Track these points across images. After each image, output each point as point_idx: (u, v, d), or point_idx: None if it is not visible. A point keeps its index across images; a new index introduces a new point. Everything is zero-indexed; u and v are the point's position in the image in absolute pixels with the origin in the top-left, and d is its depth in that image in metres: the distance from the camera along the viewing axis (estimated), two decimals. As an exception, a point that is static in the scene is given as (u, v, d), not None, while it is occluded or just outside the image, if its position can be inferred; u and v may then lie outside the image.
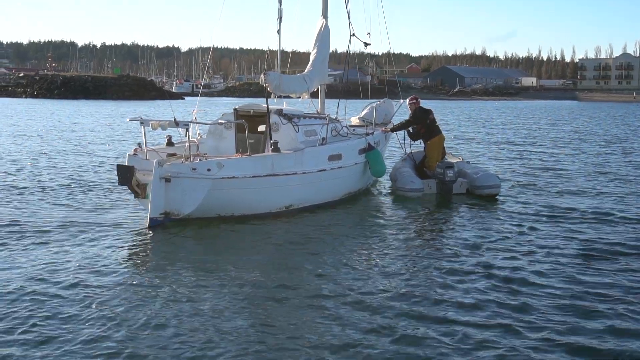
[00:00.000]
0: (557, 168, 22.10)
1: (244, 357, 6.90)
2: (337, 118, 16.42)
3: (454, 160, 17.75)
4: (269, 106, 14.42)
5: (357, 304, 8.40)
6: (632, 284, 9.29)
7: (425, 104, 18.09)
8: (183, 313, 8.09)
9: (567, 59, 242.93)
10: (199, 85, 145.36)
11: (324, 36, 17.01)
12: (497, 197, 16.06)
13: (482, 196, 16.02)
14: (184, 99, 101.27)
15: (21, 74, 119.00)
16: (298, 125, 14.59)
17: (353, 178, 15.92)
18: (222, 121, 14.84)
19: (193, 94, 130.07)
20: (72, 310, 8.12)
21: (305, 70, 16.87)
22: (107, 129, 40.40)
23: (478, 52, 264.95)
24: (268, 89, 15.25)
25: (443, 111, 78.05)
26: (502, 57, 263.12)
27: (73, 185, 17.55)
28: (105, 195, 16.02)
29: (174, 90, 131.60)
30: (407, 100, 17.50)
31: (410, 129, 17.68)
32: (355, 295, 8.72)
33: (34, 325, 7.66)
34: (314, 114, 16.52)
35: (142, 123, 13.34)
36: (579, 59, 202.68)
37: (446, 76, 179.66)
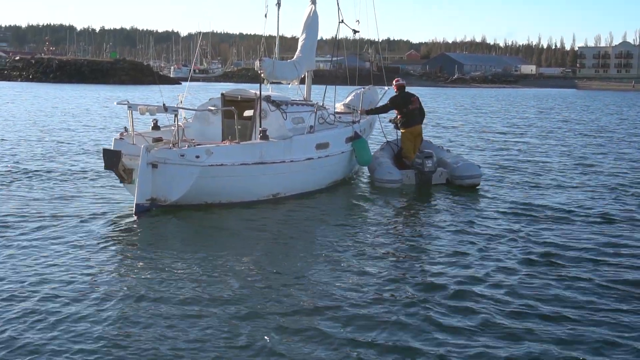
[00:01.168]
0: (539, 159, 21.58)
1: (230, 346, 6.88)
2: (324, 105, 16.34)
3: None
4: (257, 92, 14.33)
5: (331, 297, 8.31)
6: (604, 284, 8.97)
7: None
8: (169, 301, 8.05)
9: (567, 47, 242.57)
10: (197, 70, 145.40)
11: (312, 22, 16.92)
12: (478, 187, 15.79)
13: (463, 186, 15.72)
14: (180, 83, 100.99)
15: (17, 57, 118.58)
16: (286, 113, 14.48)
17: (340, 166, 15.86)
18: (212, 107, 14.75)
19: (191, 78, 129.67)
20: (57, 300, 8.03)
21: (295, 57, 16.76)
22: (86, 113, 40.10)
23: (478, 39, 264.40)
24: (262, 75, 15.14)
25: (437, 98, 78.00)
26: (502, 44, 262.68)
27: (56, 170, 17.43)
28: (90, 180, 15.94)
29: (171, 75, 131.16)
30: (393, 82, 17.14)
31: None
32: (332, 289, 8.58)
33: (19, 315, 7.56)
34: (301, 100, 16.43)
35: (129, 107, 13.19)
36: (579, 47, 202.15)
37: (445, 63, 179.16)
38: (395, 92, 16.98)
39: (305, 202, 14.01)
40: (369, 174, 17.03)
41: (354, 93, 18.43)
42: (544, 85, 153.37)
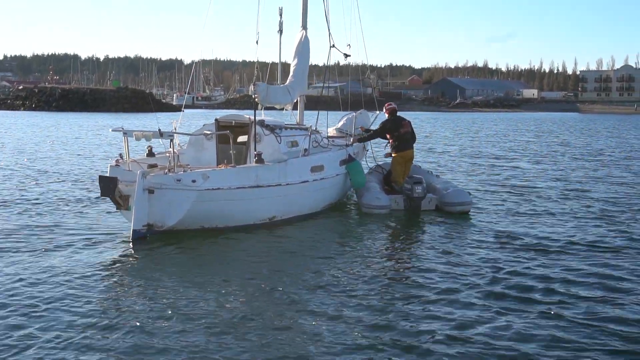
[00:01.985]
0: (530, 185, 21.05)
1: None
2: (317, 129, 16.45)
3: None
4: (251, 117, 14.45)
5: (329, 322, 8.36)
6: (594, 322, 8.63)
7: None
8: (166, 328, 8.06)
9: (569, 71, 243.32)
10: (199, 98, 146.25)
11: (303, 47, 17.08)
12: (468, 214, 15.54)
13: (453, 213, 15.48)
14: (183, 111, 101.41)
15: (21, 87, 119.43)
16: (280, 136, 14.61)
17: (334, 189, 15.95)
18: (207, 132, 14.82)
19: (194, 106, 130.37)
20: (51, 328, 8.03)
21: (287, 82, 16.93)
22: (77, 140, 40.02)
23: (480, 64, 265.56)
24: (256, 99, 15.29)
25: (435, 123, 77.95)
26: (504, 69, 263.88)
27: (53, 197, 17.48)
28: (86, 207, 15.96)
29: (174, 103, 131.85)
30: (385, 106, 17.11)
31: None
32: (326, 313, 8.64)
33: (15, 344, 7.55)
34: (295, 124, 16.57)
35: (125, 133, 13.28)
36: (580, 71, 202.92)
37: (447, 88, 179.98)
38: (387, 116, 16.96)
39: (299, 227, 14.03)
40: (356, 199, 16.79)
41: (345, 117, 18.54)
42: (546, 109, 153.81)
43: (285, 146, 14.66)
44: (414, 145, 17.04)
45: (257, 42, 16.65)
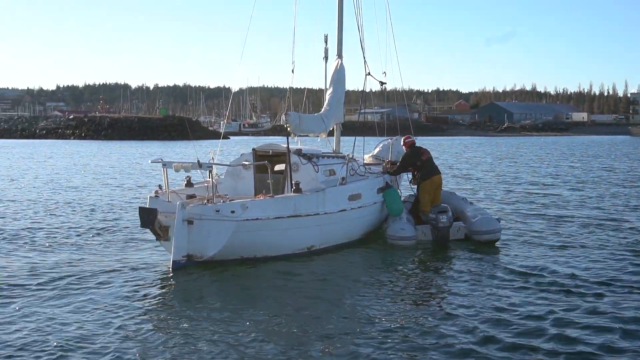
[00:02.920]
0: (565, 213, 20.40)
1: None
2: (353, 156, 16.49)
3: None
4: (289, 147, 14.54)
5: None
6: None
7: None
8: (206, 357, 8.19)
9: (620, 94, 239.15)
10: (246, 125, 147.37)
11: (339, 76, 17.19)
12: (497, 243, 15.14)
13: (481, 242, 15.11)
14: (229, 138, 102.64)
15: (71, 116, 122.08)
16: (318, 165, 14.66)
17: (372, 217, 15.91)
18: (246, 162, 14.95)
19: (240, 133, 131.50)
20: (90, 356, 8.22)
21: (322, 110, 17.01)
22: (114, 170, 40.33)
23: (528, 87, 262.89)
24: (288, 129, 15.36)
25: (478, 148, 77.07)
26: (552, 92, 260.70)
27: (93, 226, 17.79)
28: (126, 238, 16.18)
29: (221, 130, 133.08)
30: (403, 139, 17.11)
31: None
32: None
33: None
34: (332, 153, 16.61)
35: (164, 165, 13.47)
36: (631, 93, 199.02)
37: (494, 112, 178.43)
38: (406, 150, 16.91)
39: (336, 256, 14.06)
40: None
41: (381, 144, 18.50)
42: (596, 132, 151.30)
43: (323, 175, 14.69)
44: (440, 171, 16.86)
45: (292, 71, 16.84)
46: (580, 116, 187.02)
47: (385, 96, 18.66)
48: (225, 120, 26.29)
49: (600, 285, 11.67)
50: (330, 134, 17.61)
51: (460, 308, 10.34)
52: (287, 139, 14.60)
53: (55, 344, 8.65)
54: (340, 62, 17.36)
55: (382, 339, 8.87)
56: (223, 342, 8.69)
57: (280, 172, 14.83)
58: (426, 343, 8.75)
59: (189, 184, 14.87)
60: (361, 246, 15.20)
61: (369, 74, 17.42)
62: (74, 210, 21.15)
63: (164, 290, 11.47)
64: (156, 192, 13.90)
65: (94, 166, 43.52)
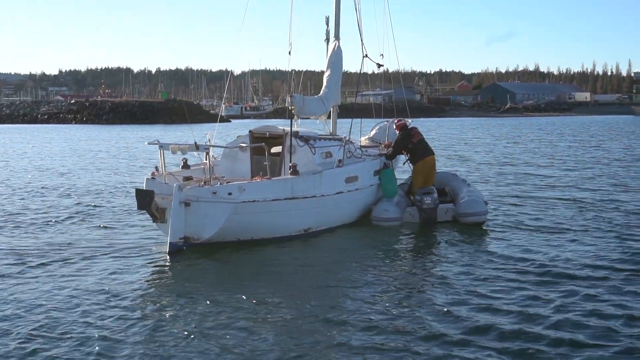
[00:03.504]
0: (555, 194, 20.18)
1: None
2: (350, 139, 16.45)
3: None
4: (285, 128, 14.51)
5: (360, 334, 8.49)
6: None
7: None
8: (204, 339, 8.23)
9: (624, 73, 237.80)
10: (248, 108, 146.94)
11: (337, 58, 17.13)
12: (484, 226, 15.00)
13: (467, 224, 15.00)
14: (230, 121, 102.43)
15: (72, 101, 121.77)
16: (315, 147, 14.65)
17: (369, 199, 15.93)
18: (243, 144, 14.94)
19: (242, 116, 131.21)
20: (92, 340, 8.24)
21: (321, 92, 16.94)
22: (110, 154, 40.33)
23: (531, 68, 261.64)
24: (293, 111, 15.33)
25: (477, 129, 76.68)
26: (555, 72, 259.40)
27: (89, 209, 17.82)
28: (122, 220, 16.22)
29: (223, 114, 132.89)
30: (395, 123, 17.03)
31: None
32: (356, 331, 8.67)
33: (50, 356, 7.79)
34: (329, 135, 16.57)
35: (161, 147, 13.50)
36: (634, 73, 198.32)
37: (497, 93, 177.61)
38: (398, 133, 16.83)
39: (333, 238, 14.13)
40: None
41: (377, 127, 18.46)
42: (599, 112, 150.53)
43: (320, 157, 14.68)
44: (433, 151, 16.75)
45: (289, 53, 16.75)
46: (583, 96, 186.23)
47: (383, 78, 18.51)
48: (224, 103, 26.02)
49: (584, 268, 11.48)
50: (328, 116, 17.54)
51: (435, 291, 10.29)
52: (291, 121, 14.59)
53: (49, 327, 8.67)
54: (337, 43, 17.29)
55: (367, 326, 8.85)
56: (219, 324, 8.70)
57: (277, 154, 14.83)
58: (402, 328, 8.73)
59: (186, 166, 14.88)
60: (355, 228, 15.22)
61: (366, 55, 17.39)
62: (69, 194, 21.18)
63: (160, 273, 11.49)
64: (153, 174, 13.89)
65: (89, 150, 43.43)
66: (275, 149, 14.89)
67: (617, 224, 15.29)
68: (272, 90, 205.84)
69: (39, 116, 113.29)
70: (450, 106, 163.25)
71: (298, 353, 7.79)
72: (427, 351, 7.84)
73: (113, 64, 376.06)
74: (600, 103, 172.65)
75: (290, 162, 13.95)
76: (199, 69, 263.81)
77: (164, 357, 7.70)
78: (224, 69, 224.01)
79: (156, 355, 7.74)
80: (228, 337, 8.27)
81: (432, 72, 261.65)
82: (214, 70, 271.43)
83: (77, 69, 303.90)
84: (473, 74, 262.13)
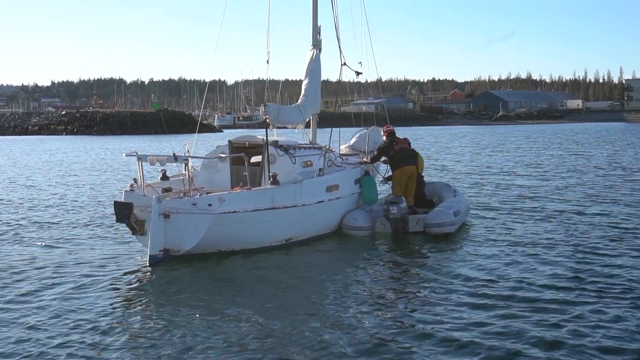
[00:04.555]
0: (531, 204, 19.57)
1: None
2: (330, 147, 16.38)
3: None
4: (264, 138, 14.43)
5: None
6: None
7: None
8: (182, 352, 8.14)
9: (615, 80, 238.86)
10: (240, 118, 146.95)
11: (315, 66, 17.08)
12: (450, 236, 14.69)
13: (436, 235, 14.67)
14: (222, 131, 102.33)
15: (63, 112, 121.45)
16: (295, 157, 14.58)
17: (350, 208, 15.84)
18: (223, 155, 14.86)
19: (235, 126, 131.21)
20: (69, 352, 8.16)
21: (299, 101, 16.89)
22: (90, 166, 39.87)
23: (523, 76, 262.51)
24: (267, 120, 15.24)
25: (464, 138, 76.34)
26: (548, 80, 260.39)
27: (68, 222, 17.65)
28: (102, 233, 16.05)
29: (215, 123, 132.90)
30: (383, 129, 16.90)
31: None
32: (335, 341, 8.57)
33: None
34: (309, 144, 16.49)
35: (139, 158, 13.35)
36: (626, 80, 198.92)
37: (489, 101, 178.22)
38: (385, 139, 16.68)
39: (314, 248, 14.05)
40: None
41: (358, 134, 18.31)
42: (591, 120, 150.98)
43: (300, 166, 14.63)
44: (415, 162, 16.47)
45: (267, 62, 16.62)
46: (575, 103, 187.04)
47: (378, 87, 18.41)
48: (201, 112, 25.57)
49: (549, 281, 11.10)
50: (307, 125, 17.49)
51: (382, 304, 10.17)
52: (266, 130, 14.51)
53: (28, 343, 8.57)
54: (315, 52, 17.26)
55: (342, 333, 8.83)
56: (200, 337, 8.62)
57: (257, 164, 14.74)
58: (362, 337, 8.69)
59: (165, 177, 14.76)
60: (329, 238, 15.08)
61: (345, 64, 17.36)
62: (47, 206, 20.97)
63: (140, 286, 11.37)
64: (131, 185, 13.76)
65: (70, 162, 42.92)
66: (255, 159, 14.80)
67: (583, 235, 14.89)
68: (268, 99, 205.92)
69: (30, 127, 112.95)
70: (443, 114, 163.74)
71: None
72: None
73: (106, 74, 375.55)
74: (592, 110, 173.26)
75: (270, 171, 13.86)
76: (192, 79, 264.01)
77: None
78: (218, 79, 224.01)
79: None
80: (208, 350, 8.18)
81: (425, 81, 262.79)
82: (207, 80, 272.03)
83: (69, 80, 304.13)
84: (466, 82, 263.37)
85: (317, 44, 17.32)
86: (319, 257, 13.52)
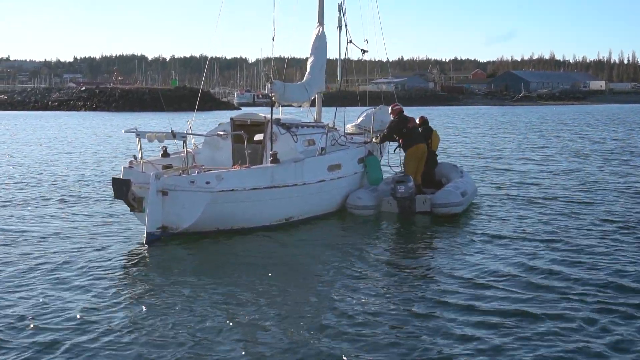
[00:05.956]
0: (539, 186, 19.28)
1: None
2: (335, 126, 16.17)
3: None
4: (267, 116, 14.32)
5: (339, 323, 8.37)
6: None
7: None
8: (181, 331, 8.06)
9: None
10: (260, 95, 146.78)
11: (320, 43, 16.87)
12: (458, 217, 14.49)
13: (441, 215, 14.49)
14: (240, 109, 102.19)
15: (83, 88, 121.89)
16: (297, 135, 14.46)
17: (352, 188, 15.66)
18: (221, 132, 14.79)
19: (254, 104, 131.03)
20: (67, 332, 8.09)
21: (304, 79, 16.69)
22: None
23: (546, 56, 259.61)
24: (274, 98, 15.09)
25: (480, 118, 75.84)
26: (571, 60, 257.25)
27: (66, 198, 17.64)
28: (100, 210, 15.99)
29: (235, 101, 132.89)
30: (391, 107, 16.57)
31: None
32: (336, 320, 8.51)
33: (29, 347, 7.65)
34: (312, 122, 16.34)
35: (137, 135, 13.27)
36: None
37: (511, 81, 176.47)
38: (394, 117, 16.42)
39: (316, 227, 13.95)
40: None
41: (365, 113, 18.08)
42: (613, 101, 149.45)
43: (302, 145, 14.49)
44: (426, 141, 16.31)
45: (273, 39, 16.41)
46: (598, 84, 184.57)
47: (401, 66, 18.09)
48: (201, 89, 25.47)
49: (552, 275, 10.58)
50: (312, 104, 17.31)
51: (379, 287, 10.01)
52: (272, 108, 14.39)
53: (24, 319, 8.51)
54: (321, 29, 17.05)
55: (342, 315, 8.70)
56: (197, 316, 8.52)
57: (259, 142, 14.61)
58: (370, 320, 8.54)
59: (165, 154, 14.70)
60: (334, 217, 14.96)
61: (351, 41, 17.13)
62: (44, 182, 20.94)
63: (137, 263, 11.30)
64: (130, 162, 13.70)
65: (75, 138, 42.97)
66: (258, 137, 14.68)
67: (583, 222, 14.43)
68: (286, 78, 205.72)
69: (50, 103, 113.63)
70: (464, 94, 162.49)
71: (279, 345, 7.68)
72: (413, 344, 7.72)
73: (128, 51, 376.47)
74: (615, 92, 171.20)
75: (272, 150, 13.71)
76: (213, 57, 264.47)
77: (131, 349, 7.55)
78: (239, 56, 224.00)
79: (124, 347, 7.62)
80: (206, 330, 8.08)
81: (447, 60, 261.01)
82: (228, 57, 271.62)
83: (91, 56, 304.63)
84: (488, 62, 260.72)
85: (322, 21, 17.08)
86: (320, 236, 13.40)
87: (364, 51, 17.29)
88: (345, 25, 16.99)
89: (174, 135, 12.91)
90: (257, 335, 7.95)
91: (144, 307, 8.94)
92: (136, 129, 13.37)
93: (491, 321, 8.34)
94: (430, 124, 17.21)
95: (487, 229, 13.70)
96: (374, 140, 16.85)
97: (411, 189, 14.82)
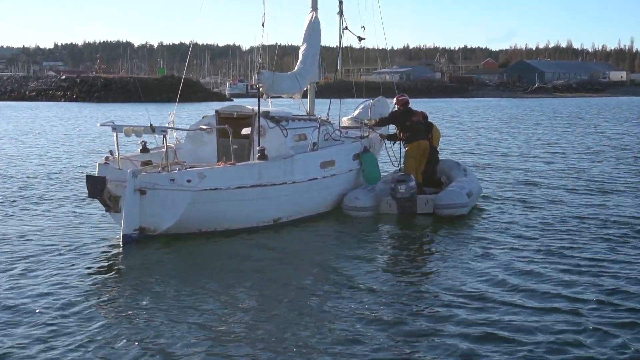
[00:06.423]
0: (547, 186, 19.24)
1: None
2: (329, 119, 16.09)
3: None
4: (255, 108, 14.22)
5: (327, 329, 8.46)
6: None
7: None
8: (157, 339, 8.06)
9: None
10: (253, 86, 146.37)
11: (313, 30, 16.81)
12: (464, 219, 14.44)
13: (445, 217, 14.42)
14: (232, 100, 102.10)
15: (63, 77, 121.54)
16: (287, 129, 14.35)
17: (346, 186, 15.59)
18: (204, 127, 14.68)
19: (247, 95, 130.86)
20: (38, 339, 8.08)
21: (296, 68, 16.61)
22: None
23: (563, 44, 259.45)
24: (261, 89, 15.00)
25: (490, 110, 75.71)
26: (590, 49, 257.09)
27: (36, 197, 17.53)
28: (72, 209, 15.90)
29: (227, 91, 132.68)
30: (396, 97, 16.47)
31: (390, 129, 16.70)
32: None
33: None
34: (303, 115, 16.24)
35: (114, 129, 13.18)
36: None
37: (524, 71, 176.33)
38: (398, 108, 16.35)
39: (306, 229, 13.88)
40: None
41: (362, 105, 18.02)
42: (635, 93, 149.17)
43: (292, 140, 14.40)
44: (427, 137, 16.23)
45: (262, 25, 16.29)
46: (619, 75, 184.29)
47: (406, 54, 18.12)
48: (184, 77, 25.25)
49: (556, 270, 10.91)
50: (304, 95, 17.22)
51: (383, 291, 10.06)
52: (259, 99, 14.30)
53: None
54: (314, 15, 16.99)
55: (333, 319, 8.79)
56: (176, 324, 8.50)
57: (246, 136, 14.52)
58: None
59: (145, 149, 14.58)
60: (327, 218, 14.91)
61: (346, 28, 17.08)
62: (12, 179, 20.82)
63: (112, 268, 11.24)
64: (106, 158, 13.61)
65: (50, 131, 42.90)
66: (245, 131, 14.59)
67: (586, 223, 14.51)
68: (282, 67, 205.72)
69: (27, 93, 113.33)
70: (474, 85, 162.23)
71: (263, 348, 7.76)
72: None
73: (112, 37, 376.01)
74: (637, 83, 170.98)
75: (259, 145, 13.62)
76: (204, 44, 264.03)
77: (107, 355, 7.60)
78: (232, 44, 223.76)
79: (99, 353, 7.67)
80: (183, 338, 8.08)
81: (456, 49, 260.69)
82: (220, 45, 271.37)
83: (74, 43, 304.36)
84: (500, 51, 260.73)
85: (316, 7, 17.03)
86: (311, 240, 13.34)
87: (360, 38, 17.25)
88: (341, 10, 17.00)
89: (152, 129, 12.80)
90: (234, 345, 7.92)
91: (116, 316, 8.89)
92: (113, 122, 13.29)
93: (496, 335, 8.32)
94: (429, 120, 17.08)
95: (492, 232, 13.64)
96: (366, 121, 16.73)
97: (413, 189, 14.69)
